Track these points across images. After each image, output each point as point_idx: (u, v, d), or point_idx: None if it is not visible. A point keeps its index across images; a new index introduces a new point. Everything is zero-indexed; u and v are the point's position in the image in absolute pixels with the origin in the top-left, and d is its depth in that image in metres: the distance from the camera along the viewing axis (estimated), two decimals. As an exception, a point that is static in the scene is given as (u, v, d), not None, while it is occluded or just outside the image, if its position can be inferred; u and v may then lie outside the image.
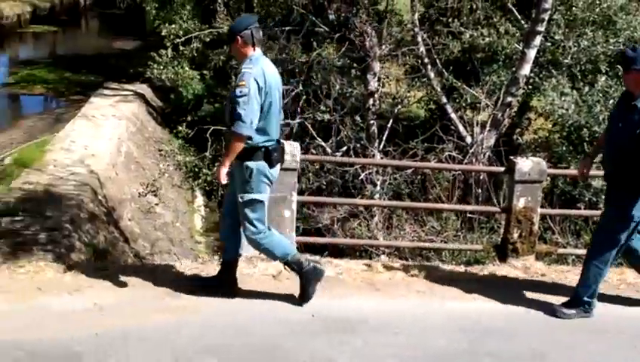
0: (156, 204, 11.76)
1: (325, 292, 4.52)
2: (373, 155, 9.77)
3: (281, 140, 4.30)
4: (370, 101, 10.38)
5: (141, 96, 19.12)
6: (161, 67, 9.32)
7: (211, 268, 4.82)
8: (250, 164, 4.03)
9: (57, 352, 3.54)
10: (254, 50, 4.05)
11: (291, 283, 4.64)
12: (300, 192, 5.66)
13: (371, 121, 10.36)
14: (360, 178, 9.45)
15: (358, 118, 10.38)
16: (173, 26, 8.80)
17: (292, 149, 5.09)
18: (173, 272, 4.75)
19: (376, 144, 10.09)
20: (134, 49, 26.69)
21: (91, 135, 14.48)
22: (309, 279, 4.27)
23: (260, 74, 3.94)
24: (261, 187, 4.09)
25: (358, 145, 9.87)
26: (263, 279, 4.74)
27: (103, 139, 14.31)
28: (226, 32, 9.99)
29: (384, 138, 10.16)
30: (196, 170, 8.92)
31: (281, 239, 4.33)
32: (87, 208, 10.92)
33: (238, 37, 4.04)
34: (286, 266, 4.42)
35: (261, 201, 4.14)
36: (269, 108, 4.00)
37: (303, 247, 5.87)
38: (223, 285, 4.41)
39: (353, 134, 10.07)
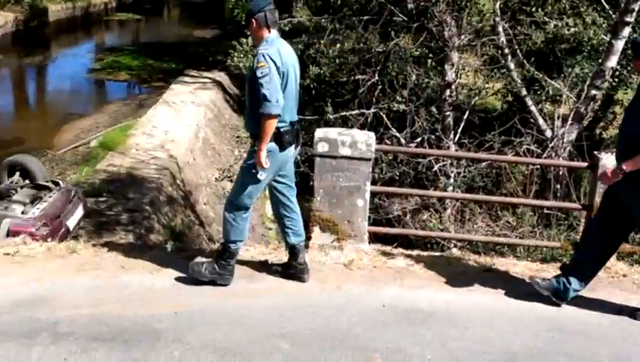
0: (232, 190, 12.02)
1: (397, 282, 4.53)
2: (448, 147, 9.61)
3: (296, 123, 4.26)
4: (447, 92, 10.19)
5: (219, 84, 19.59)
6: (241, 55, 9.47)
7: (282, 254, 4.92)
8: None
9: (138, 328, 3.71)
10: (269, 32, 4.07)
11: (364, 272, 4.67)
12: (373, 182, 5.64)
13: (447, 113, 10.18)
14: (433, 170, 9.32)
15: (433, 109, 10.22)
16: (254, 17, 8.92)
17: (367, 139, 5.08)
18: (246, 257, 4.87)
19: (451, 136, 9.91)
20: (213, 37, 27.35)
21: (171, 120, 14.99)
22: (212, 273, 4.24)
23: (276, 54, 3.95)
24: (265, 168, 4.04)
25: (433, 136, 9.73)
26: (335, 267, 4.79)
27: (182, 125, 14.79)
28: (303, 20, 10.07)
29: (459, 130, 9.96)
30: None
31: (246, 226, 4.32)
32: (166, 191, 11.35)
33: (253, 20, 4.05)
34: (221, 247, 4.36)
35: (259, 181, 4.12)
36: (284, 89, 3.99)
37: (374, 237, 5.87)
38: (294, 270, 4.48)
39: (428, 125, 9.93)
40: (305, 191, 10.82)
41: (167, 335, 3.65)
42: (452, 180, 9.28)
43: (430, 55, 9.96)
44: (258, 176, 4.07)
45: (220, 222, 12.77)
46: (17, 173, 7.04)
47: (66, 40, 27.36)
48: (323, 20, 9.51)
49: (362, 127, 8.84)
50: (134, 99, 19.09)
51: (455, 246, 7.76)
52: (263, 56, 3.93)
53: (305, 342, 3.66)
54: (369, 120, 9.83)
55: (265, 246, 5.44)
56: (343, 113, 9.71)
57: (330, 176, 5.17)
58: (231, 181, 10.78)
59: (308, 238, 5.43)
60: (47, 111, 18.10)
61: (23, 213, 6.18)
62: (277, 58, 3.94)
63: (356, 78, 10.06)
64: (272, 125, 3.94)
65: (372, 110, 9.91)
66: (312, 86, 9.38)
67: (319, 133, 5.20)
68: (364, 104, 10.02)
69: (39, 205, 6.34)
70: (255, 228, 13.80)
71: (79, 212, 6.93)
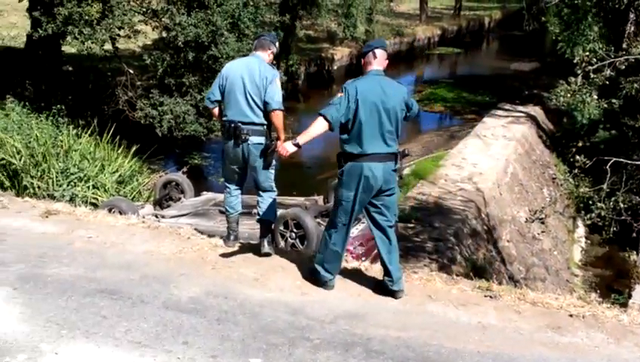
0: (543, 232, 11.52)
1: None
2: None
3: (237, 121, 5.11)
4: None
5: (532, 118, 19.02)
6: (568, 94, 8.99)
7: (597, 309, 4.56)
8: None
9: (441, 360, 3.83)
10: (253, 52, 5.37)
11: None
12: None
13: None
14: None
15: None
16: (587, 53, 8.41)
17: None
18: (554, 304, 4.64)
19: None
20: (531, 70, 26.71)
21: (481, 153, 15.05)
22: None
23: (225, 67, 5.34)
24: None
25: None
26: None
27: (491, 159, 14.73)
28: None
29: None
30: (589, 202, 8.42)
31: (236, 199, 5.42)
32: (470, 224, 11.41)
33: None
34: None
35: (224, 168, 5.41)
36: (230, 90, 5.17)
37: None
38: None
39: None
40: (625, 242, 9.82)
41: (469, 373, 3.69)
42: None
43: None
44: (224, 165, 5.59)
45: (522, 262, 12.38)
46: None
47: (390, 72, 29.21)
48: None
49: None
50: (447, 130, 19.68)
51: None
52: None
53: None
54: None
55: (570, 295, 5.12)
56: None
57: (661, 233, 4.64)
58: (543, 223, 10.34)
59: (629, 296, 4.95)
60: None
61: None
62: (224, 71, 5.32)
63: None
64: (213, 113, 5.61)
65: None
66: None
67: (652, 183, 4.70)
68: None
69: (358, 226, 6.97)
70: (559, 273, 12.99)
71: (391, 236, 7.40)
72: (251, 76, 5.12)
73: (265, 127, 5.17)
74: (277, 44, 5.50)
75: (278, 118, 5.09)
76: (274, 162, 5.24)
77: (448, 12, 39.18)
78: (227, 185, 5.43)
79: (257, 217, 5.38)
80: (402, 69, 30.75)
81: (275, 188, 5.35)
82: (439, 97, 23.22)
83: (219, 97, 5.27)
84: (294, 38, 22.38)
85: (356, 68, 27.31)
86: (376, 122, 4.49)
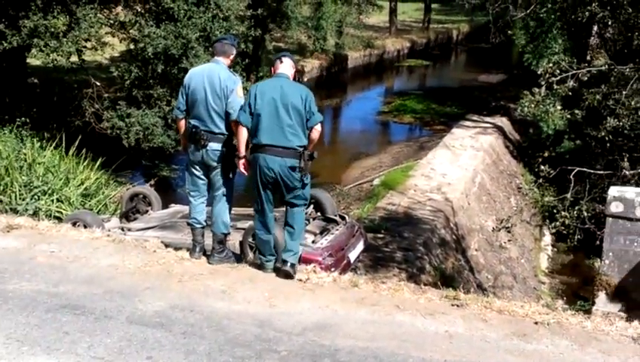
0: (509, 241, 11.68)
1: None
2: None
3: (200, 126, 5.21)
4: None
5: (499, 129, 19.32)
6: (532, 105, 9.18)
7: (561, 316, 4.61)
8: None
9: (409, 369, 3.84)
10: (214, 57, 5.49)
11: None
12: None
13: None
14: None
15: None
16: (550, 65, 8.60)
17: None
18: (519, 312, 4.68)
19: None
20: (498, 82, 27.16)
21: (449, 164, 15.22)
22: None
23: (187, 75, 5.46)
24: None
25: None
26: (620, 339, 4.32)
27: (460, 169, 14.90)
28: (603, 68, 9.40)
29: None
30: (554, 211, 8.58)
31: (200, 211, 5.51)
32: (439, 234, 11.50)
33: None
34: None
35: (187, 173, 5.48)
36: (192, 98, 5.26)
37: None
38: None
39: None
40: (590, 250, 9.98)
41: (437, 383, 3.69)
42: None
43: None
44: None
45: (490, 270, 12.49)
46: (311, 206, 7.82)
47: (360, 84, 29.79)
48: (627, 70, 8.74)
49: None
50: (416, 141, 19.85)
51: None
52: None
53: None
54: None
55: (536, 302, 5.18)
56: (644, 170, 8.76)
57: (622, 240, 4.76)
58: (509, 232, 10.47)
59: (592, 303, 5.03)
60: (339, 149, 19.83)
61: (313, 242, 6.82)
62: (187, 78, 5.40)
63: (662, 131, 9.03)
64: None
65: None
66: (606, 138, 8.67)
67: (614, 191, 4.82)
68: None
69: (327, 236, 6.94)
70: (526, 281, 13.16)
71: (360, 246, 7.39)
72: (212, 85, 5.20)
73: (225, 135, 5.25)
74: (237, 44, 5.67)
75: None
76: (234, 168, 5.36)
77: (417, 25, 39.69)
78: (190, 194, 5.49)
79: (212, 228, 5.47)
80: (372, 80, 31.03)
81: (229, 193, 5.43)
82: (409, 109, 23.45)
83: (185, 106, 5.37)
84: (264, 50, 22.39)
85: (326, 79, 27.47)
86: (273, 115, 4.92)
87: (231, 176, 5.38)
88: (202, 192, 5.47)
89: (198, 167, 5.36)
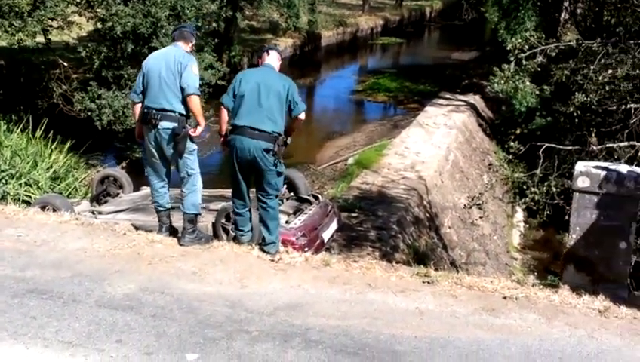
0: (480, 218, 11.81)
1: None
2: None
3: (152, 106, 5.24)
4: None
5: (472, 107, 19.41)
6: (502, 81, 9.25)
7: (528, 289, 4.69)
8: None
9: (380, 347, 3.86)
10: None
11: (622, 323, 4.24)
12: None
13: None
14: None
15: None
16: (519, 41, 8.64)
17: (637, 175, 4.62)
18: (489, 288, 4.74)
19: None
20: (470, 60, 27.24)
21: (423, 142, 15.27)
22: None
23: (146, 60, 5.44)
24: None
25: None
26: (587, 312, 4.42)
27: (433, 147, 14.96)
28: (572, 44, 9.47)
29: None
30: (524, 187, 8.69)
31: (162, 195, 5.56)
32: (413, 212, 11.56)
33: None
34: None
35: (144, 157, 5.56)
36: (148, 80, 5.28)
37: (635, 284, 5.29)
38: None
39: None
40: (560, 225, 10.13)
41: (406, 358, 3.73)
42: None
43: None
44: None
45: (464, 247, 12.63)
46: (284, 186, 7.80)
47: (334, 63, 29.63)
48: (595, 45, 8.83)
49: (631, 162, 8.01)
50: (390, 120, 19.86)
51: None
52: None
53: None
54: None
55: (507, 278, 5.25)
56: (610, 145, 8.89)
57: (589, 214, 4.82)
58: (480, 208, 10.58)
59: (559, 277, 5.11)
60: (313, 129, 19.74)
61: (286, 222, 6.81)
62: (145, 63, 5.40)
63: (628, 106, 9.14)
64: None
65: (644, 142, 8.91)
66: (575, 114, 8.77)
67: (580, 166, 4.87)
68: (635, 135, 9.06)
69: (300, 216, 6.94)
70: (499, 257, 13.35)
71: (334, 226, 7.41)
72: (167, 63, 5.23)
73: (177, 113, 5.24)
74: (196, 35, 5.74)
75: (193, 102, 5.25)
76: (193, 147, 5.37)
77: (390, 2, 39.50)
78: (150, 177, 5.53)
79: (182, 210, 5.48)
80: (346, 59, 30.86)
81: (195, 173, 5.41)
82: (382, 87, 23.40)
83: (142, 88, 5.38)
84: (236, 28, 22.10)
85: (299, 58, 27.24)
86: (255, 100, 5.10)
87: (193, 149, 5.37)
88: (161, 175, 5.50)
89: (153, 150, 5.37)
